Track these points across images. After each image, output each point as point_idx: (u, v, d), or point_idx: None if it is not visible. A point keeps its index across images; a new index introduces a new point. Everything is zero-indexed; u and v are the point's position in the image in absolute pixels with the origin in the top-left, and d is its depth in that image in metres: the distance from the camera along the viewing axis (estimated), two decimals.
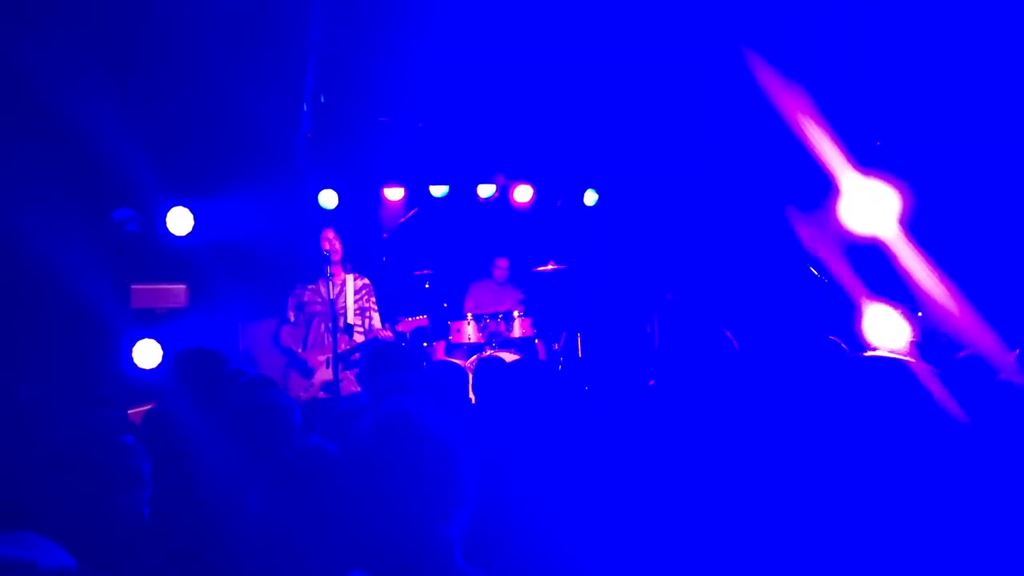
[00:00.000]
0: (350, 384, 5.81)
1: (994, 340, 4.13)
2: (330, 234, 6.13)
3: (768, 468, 2.10)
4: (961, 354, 3.13)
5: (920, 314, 5.47)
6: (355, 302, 6.08)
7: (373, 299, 6.35)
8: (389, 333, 6.32)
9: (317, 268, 6.12)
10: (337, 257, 6.04)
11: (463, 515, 1.75)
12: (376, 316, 6.32)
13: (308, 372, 5.93)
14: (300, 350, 6.00)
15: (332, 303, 5.78)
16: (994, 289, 5.61)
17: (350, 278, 6.21)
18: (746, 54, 5.74)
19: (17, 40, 4.73)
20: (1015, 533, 1.81)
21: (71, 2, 4.86)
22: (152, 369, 5.78)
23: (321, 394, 5.86)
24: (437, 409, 2.06)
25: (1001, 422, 2.29)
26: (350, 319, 6.10)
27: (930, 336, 5.23)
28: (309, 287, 6.14)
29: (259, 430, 2.51)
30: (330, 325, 5.89)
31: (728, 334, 2.94)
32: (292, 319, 6.08)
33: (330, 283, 5.86)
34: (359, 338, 6.15)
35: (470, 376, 5.35)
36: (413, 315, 6.67)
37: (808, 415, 2.14)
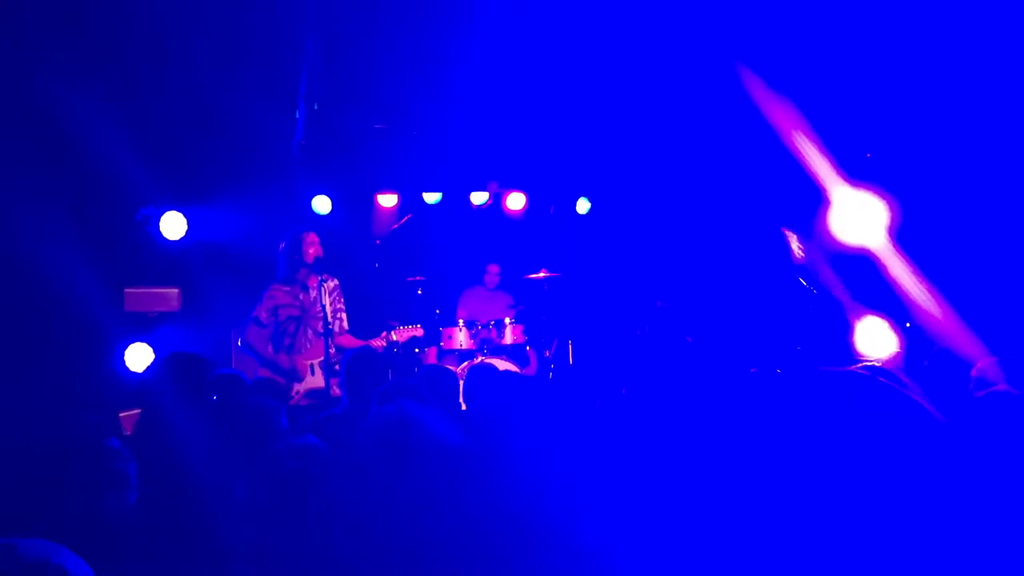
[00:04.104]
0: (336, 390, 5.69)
1: (981, 350, 4.16)
2: (314, 238, 6.00)
3: (741, 482, 2.11)
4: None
5: (908, 325, 5.50)
6: (330, 304, 5.93)
7: (342, 300, 6.19)
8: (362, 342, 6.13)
9: (295, 270, 5.96)
10: (319, 261, 5.88)
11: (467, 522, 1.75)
12: (344, 318, 6.17)
13: (284, 374, 5.76)
14: (269, 351, 5.81)
15: (324, 307, 5.74)
16: (983, 299, 5.65)
17: (326, 280, 5.98)
18: (738, 66, 5.80)
19: (14, 47, 4.76)
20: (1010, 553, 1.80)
21: (66, 9, 4.88)
22: (141, 372, 5.77)
23: (304, 401, 5.72)
24: (437, 416, 2.06)
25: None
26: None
27: (918, 347, 5.27)
28: (284, 288, 5.93)
29: (247, 432, 2.53)
30: (315, 330, 5.85)
31: (689, 339, 2.95)
32: (264, 320, 5.91)
33: (323, 288, 5.79)
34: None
35: (460, 383, 5.37)
36: (406, 323, 6.56)
37: (780, 426, 2.16)
